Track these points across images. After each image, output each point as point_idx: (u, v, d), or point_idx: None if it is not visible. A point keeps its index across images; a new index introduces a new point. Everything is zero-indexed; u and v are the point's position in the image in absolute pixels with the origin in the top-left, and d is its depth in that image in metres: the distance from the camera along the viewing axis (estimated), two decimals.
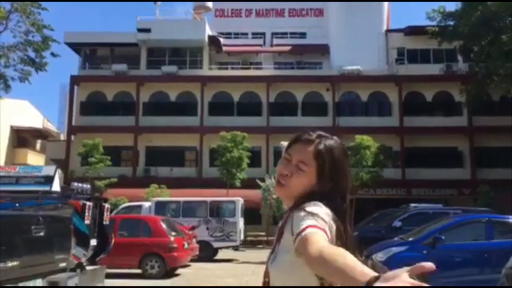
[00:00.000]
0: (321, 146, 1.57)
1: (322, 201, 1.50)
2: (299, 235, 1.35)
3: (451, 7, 29.40)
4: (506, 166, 29.90)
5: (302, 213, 1.43)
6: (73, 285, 6.17)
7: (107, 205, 11.83)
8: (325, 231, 1.37)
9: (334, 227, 1.44)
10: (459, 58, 31.87)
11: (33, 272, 5.30)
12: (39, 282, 5.41)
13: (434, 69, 32.96)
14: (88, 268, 10.51)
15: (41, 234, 5.38)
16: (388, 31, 35.36)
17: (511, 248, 9.02)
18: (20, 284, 5.03)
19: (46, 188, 10.42)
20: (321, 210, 1.45)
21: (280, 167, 1.60)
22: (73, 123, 33.36)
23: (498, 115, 30.78)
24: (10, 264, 4.89)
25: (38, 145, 39.98)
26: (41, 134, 39.50)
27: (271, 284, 1.54)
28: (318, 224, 1.38)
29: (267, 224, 26.19)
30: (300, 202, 1.52)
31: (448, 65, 32.92)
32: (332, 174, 1.54)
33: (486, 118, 31.01)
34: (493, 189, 25.90)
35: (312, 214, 1.41)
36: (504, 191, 24.69)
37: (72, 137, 33.32)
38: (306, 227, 1.36)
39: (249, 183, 25.53)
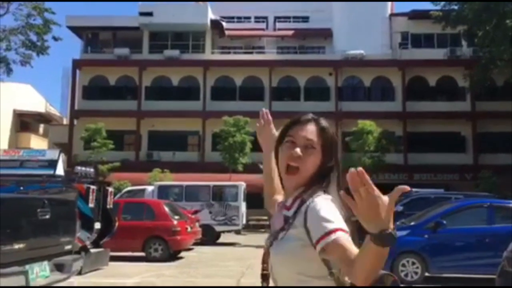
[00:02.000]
0: (323, 124, 1.59)
1: (327, 178, 1.53)
2: (328, 237, 1.35)
3: None
4: (508, 151, 29.87)
5: (322, 211, 1.41)
6: (79, 267, 6.24)
7: (110, 189, 11.93)
8: (347, 232, 1.38)
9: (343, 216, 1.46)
10: (463, 43, 31.66)
11: (39, 255, 5.37)
12: (45, 264, 5.48)
13: (438, 53, 32.76)
14: (92, 251, 10.65)
15: (47, 217, 5.44)
16: (392, 15, 35.08)
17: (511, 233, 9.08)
18: (27, 266, 5.10)
19: (50, 172, 10.45)
20: (334, 204, 1.46)
21: (287, 151, 1.55)
22: (76, 107, 33.38)
23: (501, 100, 30.67)
24: (16, 246, 4.95)
25: (41, 129, 40.05)
26: (43, 118, 39.55)
27: (273, 270, 1.55)
28: (343, 226, 1.38)
29: None
30: (310, 184, 1.53)
31: (452, 49, 32.71)
32: (332, 150, 1.57)
33: (489, 104, 30.91)
34: (495, 174, 25.92)
35: (332, 212, 1.41)
36: (506, 177, 24.70)
37: (75, 121, 33.38)
38: (335, 230, 1.36)
39: (251, 168, 25.56)
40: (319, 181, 1.54)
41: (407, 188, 1.17)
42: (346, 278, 1.44)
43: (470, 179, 29.18)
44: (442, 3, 27.03)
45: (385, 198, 1.17)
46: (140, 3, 34.78)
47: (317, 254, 1.40)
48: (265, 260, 1.58)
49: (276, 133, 1.84)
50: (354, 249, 1.31)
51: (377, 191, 1.17)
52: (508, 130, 30.59)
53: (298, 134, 1.56)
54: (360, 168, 1.14)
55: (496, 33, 24.19)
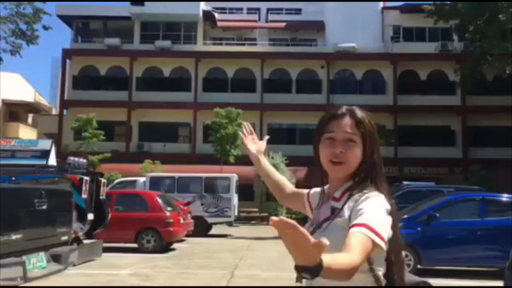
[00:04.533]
0: (359, 115, 1.58)
1: (373, 171, 1.55)
2: (363, 226, 1.36)
3: None
4: (497, 145, 30.22)
5: (369, 205, 1.43)
6: (75, 258, 6.21)
7: (103, 180, 11.84)
8: (381, 237, 1.37)
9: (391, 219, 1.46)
10: (455, 37, 31.81)
11: (36, 245, 5.33)
12: (41, 255, 5.45)
13: (429, 47, 32.92)
14: (86, 242, 10.59)
15: (44, 207, 5.40)
16: (384, 8, 35.15)
17: (504, 226, 9.21)
18: (24, 257, 5.06)
19: (42, 162, 10.34)
20: (383, 202, 1.47)
21: (327, 149, 1.55)
22: (66, 98, 33.07)
23: (491, 95, 30.96)
24: (14, 237, 4.91)
25: (30, 119, 39.66)
26: (33, 108, 39.14)
27: None
28: (376, 227, 1.37)
29: (260, 201, 26.39)
30: (357, 178, 1.55)
31: (443, 44, 32.88)
32: (372, 142, 1.57)
33: (479, 98, 31.16)
34: (484, 168, 26.19)
35: (377, 210, 1.42)
36: (494, 170, 24.99)
37: (65, 112, 33.09)
38: (361, 225, 1.37)
39: (242, 160, 25.57)
40: (365, 174, 1.56)
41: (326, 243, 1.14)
42: (382, 277, 1.47)
43: (459, 172, 29.47)
44: None
45: (306, 236, 1.14)
46: None
47: None
48: None
49: (260, 142, 2.07)
50: (355, 251, 1.29)
51: (299, 232, 1.13)
52: (497, 124, 30.94)
53: (337, 129, 1.56)
54: (276, 218, 1.12)
55: (487, 27, 24.32)
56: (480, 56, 25.94)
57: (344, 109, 1.60)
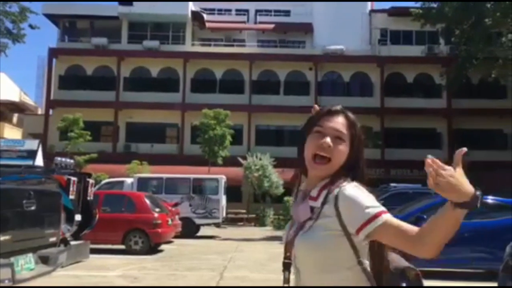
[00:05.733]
0: (352, 117, 1.59)
1: (351, 172, 1.55)
2: (374, 221, 1.41)
3: None
4: (483, 148, 30.55)
5: (358, 199, 1.45)
6: (63, 260, 6.14)
7: (91, 181, 11.74)
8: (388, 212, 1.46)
9: None
10: (441, 40, 32.14)
11: (24, 247, 5.27)
12: (29, 256, 5.38)
13: (416, 50, 33.22)
14: (73, 243, 10.48)
15: (32, 208, 5.33)
16: (372, 11, 35.42)
17: (490, 228, 9.31)
18: (12, 258, 4.99)
19: (29, 163, 10.24)
20: (364, 189, 1.50)
21: (315, 140, 1.53)
22: (52, 97, 32.73)
23: (477, 98, 31.34)
24: (2, 238, 4.85)
25: (14, 119, 39.15)
26: (17, 107, 38.65)
27: (296, 259, 1.55)
28: (383, 208, 1.45)
29: (247, 202, 26.36)
30: (335, 176, 1.54)
31: (429, 47, 33.21)
32: (359, 146, 1.58)
33: (465, 101, 31.52)
34: (470, 170, 26.40)
35: (368, 197, 1.47)
36: (480, 173, 25.24)
37: (50, 111, 32.74)
38: (380, 213, 1.43)
39: (230, 161, 25.57)
40: (344, 174, 1.54)
41: (464, 149, 1.39)
42: (369, 269, 1.49)
43: None
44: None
45: (457, 170, 1.36)
46: None
47: (347, 243, 1.46)
48: (288, 250, 1.59)
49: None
50: (406, 225, 1.41)
51: (449, 170, 1.35)
52: (482, 127, 31.33)
53: (328, 125, 1.55)
54: (431, 156, 1.36)
55: (473, 31, 24.60)
56: (466, 59, 26.23)
57: (338, 107, 1.61)
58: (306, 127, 1.61)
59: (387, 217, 1.42)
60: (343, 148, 1.54)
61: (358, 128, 1.58)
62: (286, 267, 1.59)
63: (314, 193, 1.56)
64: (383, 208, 1.45)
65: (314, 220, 1.51)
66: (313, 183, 1.58)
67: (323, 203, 1.51)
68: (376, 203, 1.46)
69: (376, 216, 1.41)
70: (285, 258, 1.59)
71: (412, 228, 1.41)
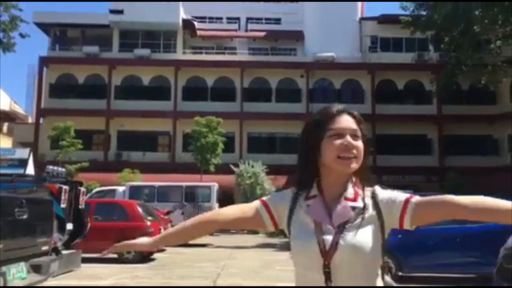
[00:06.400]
0: (357, 114, 1.60)
1: (367, 172, 1.61)
2: (413, 197, 1.50)
3: None
4: (473, 154, 30.82)
5: (392, 192, 1.56)
6: (56, 269, 6.09)
7: (82, 189, 11.65)
8: None
9: None
10: (431, 47, 32.43)
11: (16, 255, 5.22)
12: (21, 265, 5.33)
13: (406, 57, 33.51)
14: (64, 252, 10.38)
15: (24, 217, 5.29)
16: (362, 19, 35.68)
17: (482, 232, 9.36)
18: (3, 267, 4.94)
19: (20, 171, 10.16)
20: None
21: (336, 143, 1.50)
22: (42, 106, 32.56)
23: (467, 104, 31.65)
24: None
25: (5, 128, 38.86)
26: (8, 116, 38.36)
27: (340, 264, 1.46)
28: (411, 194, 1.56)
29: None
30: (362, 174, 1.56)
31: (419, 54, 33.51)
32: (366, 140, 1.59)
33: (455, 107, 31.80)
34: (460, 176, 26.64)
35: (395, 190, 1.58)
36: (470, 178, 25.43)
37: (41, 120, 32.55)
38: (410, 197, 1.51)
39: (222, 169, 25.54)
40: (364, 173, 1.57)
41: None
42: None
43: (436, 180, 29.92)
44: (411, 8, 27.57)
45: None
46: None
47: (380, 245, 1.49)
48: (328, 257, 1.46)
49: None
50: (442, 196, 1.50)
51: None
52: (472, 133, 31.60)
53: (342, 126, 1.53)
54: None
55: (462, 38, 24.86)
56: (455, 66, 26.45)
57: (341, 107, 1.59)
58: (315, 133, 1.55)
59: (418, 197, 1.50)
60: (362, 144, 1.54)
61: (363, 124, 1.59)
62: (328, 276, 1.47)
63: (349, 194, 1.53)
64: (411, 194, 1.53)
65: (361, 220, 1.49)
66: (334, 185, 1.55)
67: (365, 202, 1.52)
68: (404, 193, 1.53)
69: (407, 200, 1.49)
70: (325, 267, 1.46)
71: (451, 198, 1.47)
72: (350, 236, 1.46)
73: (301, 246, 1.51)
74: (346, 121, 1.54)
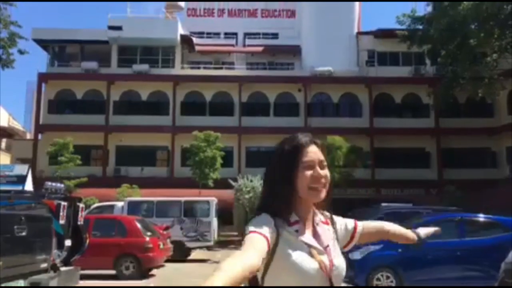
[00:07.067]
0: (321, 143, 1.72)
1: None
2: (358, 227, 1.88)
3: (420, 9, 30.02)
4: (472, 166, 30.84)
5: (339, 217, 1.87)
6: (55, 285, 6.05)
7: (81, 205, 11.61)
8: None
9: None
10: (427, 61, 32.65)
11: (15, 273, 5.19)
12: (21, 283, 5.30)
13: (403, 71, 33.69)
14: (62, 269, 10.31)
15: (23, 234, 5.27)
16: (359, 33, 35.91)
17: (482, 246, 9.35)
18: (3, 285, 4.91)
19: (19, 188, 10.13)
20: None
21: (309, 174, 1.62)
22: (41, 122, 32.57)
23: (464, 117, 31.77)
24: None
25: (3, 144, 38.85)
26: (6, 132, 38.40)
27: (336, 280, 1.61)
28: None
29: (239, 224, 26.20)
30: (327, 200, 1.71)
31: (416, 68, 33.70)
32: (328, 166, 1.75)
33: (452, 120, 31.90)
34: (459, 189, 26.62)
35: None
36: (468, 191, 25.42)
37: (40, 136, 32.54)
38: (356, 222, 1.89)
39: (221, 183, 25.50)
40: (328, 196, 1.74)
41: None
42: None
43: (435, 193, 29.86)
44: (408, 22, 27.83)
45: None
46: (109, 16, 34.48)
47: None
48: (330, 276, 1.60)
49: None
50: (374, 222, 2.01)
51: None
52: (470, 145, 31.65)
53: (311, 158, 1.65)
54: None
55: (459, 52, 25.06)
56: (452, 79, 26.65)
57: (309, 138, 1.70)
58: (286, 165, 1.65)
59: (361, 223, 1.87)
60: (328, 172, 1.67)
61: (325, 150, 1.73)
62: None
63: (322, 218, 1.73)
64: (354, 220, 1.88)
65: (335, 241, 1.70)
66: (306, 211, 1.68)
67: (334, 225, 1.77)
68: (348, 219, 1.89)
69: (356, 225, 1.87)
70: (330, 283, 1.59)
71: (381, 224, 1.99)
72: (336, 256, 1.65)
73: (303, 266, 1.56)
74: (315, 153, 1.67)
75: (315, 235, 1.66)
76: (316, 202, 1.67)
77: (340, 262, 1.64)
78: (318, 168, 1.63)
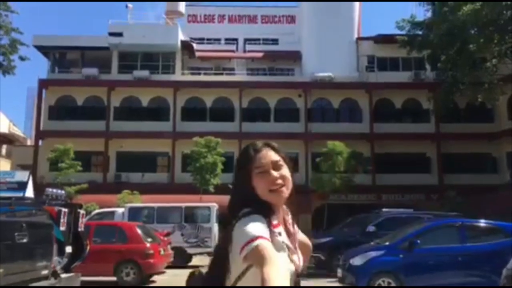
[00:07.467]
0: (274, 144, 1.80)
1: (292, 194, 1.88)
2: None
3: (420, 14, 30.07)
4: (472, 172, 30.81)
5: None
6: None
7: (82, 211, 11.61)
8: None
9: None
10: (427, 66, 32.70)
11: (16, 280, 5.18)
12: None
13: (403, 76, 33.72)
14: (63, 276, 10.29)
15: (24, 240, 5.27)
16: (359, 39, 35.98)
17: (483, 252, 9.34)
18: None
19: (20, 194, 10.12)
20: None
21: (264, 179, 1.67)
22: (41, 128, 32.60)
23: (464, 122, 31.77)
24: None
25: (3, 150, 38.88)
26: (6, 139, 38.43)
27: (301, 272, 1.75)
28: None
29: None
30: (291, 199, 1.77)
31: (416, 73, 33.73)
32: (289, 165, 1.79)
33: (452, 125, 31.89)
34: (460, 194, 26.59)
35: None
36: (469, 196, 25.39)
37: (40, 142, 32.56)
38: None
39: (222, 189, 25.43)
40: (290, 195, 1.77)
41: None
42: None
43: (436, 199, 29.81)
44: (407, 28, 27.90)
45: None
46: (110, 23, 34.58)
47: None
48: (298, 278, 1.72)
49: None
50: None
51: None
52: (471, 150, 31.63)
53: (262, 162, 1.70)
54: None
55: (458, 57, 25.10)
56: (452, 84, 26.67)
57: (260, 144, 1.77)
58: (242, 171, 1.73)
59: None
60: (287, 171, 1.72)
61: (284, 153, 1.77)
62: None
63: (290, 219, 1.80)
64: None
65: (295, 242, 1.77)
66: (278, 210, 1.74)
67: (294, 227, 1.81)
68: None
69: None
70: (296, 282, 1.69)
71: None
72: (299, 253, 1.77)
73: (286, 268, 1.64)
74: (266, 156, 1.71)
75: (289, 235, 1.74)
76: (282, 202, 1.71)
77: (301, 259, 1.75)
78: (272, 171, 1.68)
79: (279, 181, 1.67)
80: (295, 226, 1.80)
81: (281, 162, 1.71)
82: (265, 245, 1.51)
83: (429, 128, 32.84)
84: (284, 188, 1.68)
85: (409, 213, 16.23)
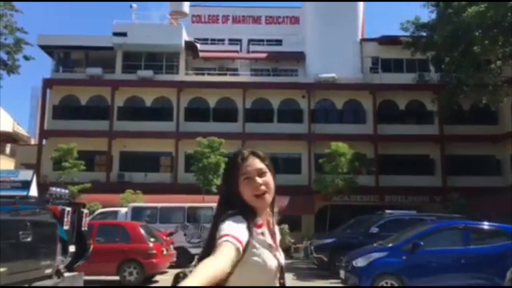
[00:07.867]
0: (260, 153, 1.96)
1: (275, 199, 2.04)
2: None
3: (424, 16, 30.04)
4: (476, 174, 30.73)
5: None
6: None
7: (85, 211, 11.64)
8: None
9: None
10: (431, 68, 32.63)
11: (20, 279, 5.20)
12: None
13: (407, 78, 33.66)
14: (66, 275, 10.31)
15: (28, 239, 5.29)
16: (363, 40, 35.94)
17: (487, 254, 9.31)
18: None
19: (23, 193, 10.14)
20: None
21: (249, 186, 1.85)
22: (45, 127, 32.68)
23: (468, 124, 31.67)
24: None
25: (7, 149, 39.00)
26: (11, 138, 38.56)
27: (285, 279, 1.89)
28: None
29: None
30: (273, 203, 1.97)
31: (420, 74, 33.66)
32: (273, 172, 1.97)
33: (456, 127, 31.80)
34: (463, 196, 26.53)
35: None
36: (473, 198, 25.33)
37: (44, 141, 32.64)
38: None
39: None
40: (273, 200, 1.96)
41: None
42: None
43: (439, 201, 29.76)
44: (412, 29, 27.86)
45: None
46: (114, 23, 34.66)
47: None
48: (282, 275, 1.90)
49: None
50: None
51: None
52: (475, 152, 31.55)
53: (250, 169, 1.88)
54: None
55: (463, 59, 25.04)
56: (456, 86, 26.60)
57: (246, 152, 1.94)
58: (231, 181, 1.89)
59: None
60: (271, 178, 1.91)
61: (268, 161, 1.95)
62: (283, 284, 1.91)
63: (275, 221, 1.98)
64: None
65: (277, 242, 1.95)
66: (265, 213, 1.92)
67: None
68: None
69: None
70: (281, 284, 1.89)
71: None
72: (281, 251, 1.94)
73: (269, 265, 1.81)
74: (252, 164, 1.89)
75: (272, 234, 1.91)
76: (266, 207, 1.89)
77: (283, 255, 1.93)
78: (257, 178, 1.85)
79: (263, 188, 1.85)
80: (276, 226, 1.98)
81: (265, 170, 1.89)
82: (225, 241, 1.68)
83: (433, 129, 32.77)
84: (267, 195, 1.87)
85: (412, 215, 16.20)
